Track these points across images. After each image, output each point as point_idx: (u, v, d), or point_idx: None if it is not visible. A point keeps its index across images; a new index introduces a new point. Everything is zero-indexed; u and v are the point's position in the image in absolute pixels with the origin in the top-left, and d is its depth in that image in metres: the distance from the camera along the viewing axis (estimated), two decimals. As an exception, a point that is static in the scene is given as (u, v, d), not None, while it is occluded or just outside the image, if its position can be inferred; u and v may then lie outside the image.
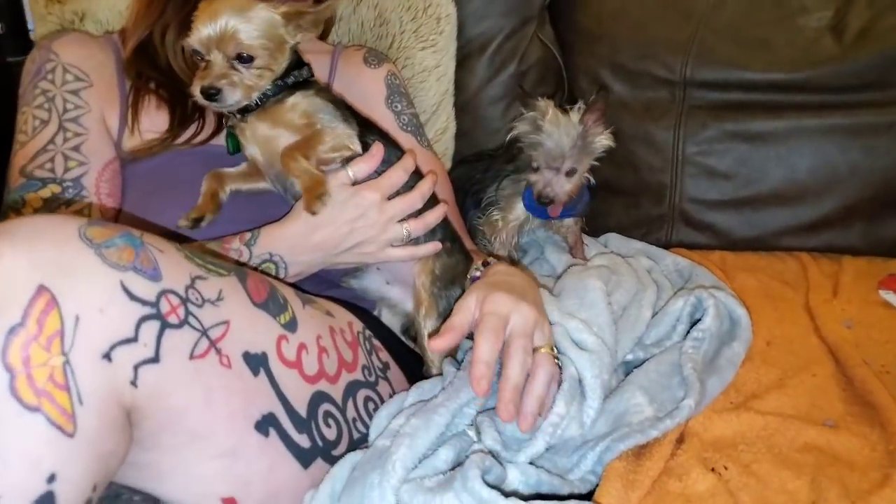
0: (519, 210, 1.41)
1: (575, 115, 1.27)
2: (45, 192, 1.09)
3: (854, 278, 1.40)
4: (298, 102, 1.09)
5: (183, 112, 1.20)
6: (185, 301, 0.77)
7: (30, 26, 2.09)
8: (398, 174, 1.11)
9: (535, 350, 0.92)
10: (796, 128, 1.49)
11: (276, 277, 1.07)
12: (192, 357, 0.77)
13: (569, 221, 1.48)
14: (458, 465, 0.85)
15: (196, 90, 1.04)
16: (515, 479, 0.85)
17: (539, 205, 1.32)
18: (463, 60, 1.66)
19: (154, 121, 1.20)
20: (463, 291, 1.17)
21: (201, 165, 1.16)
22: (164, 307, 0.74)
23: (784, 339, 1.22)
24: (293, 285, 1.06)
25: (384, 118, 1.35)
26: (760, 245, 1.55)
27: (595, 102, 1.28)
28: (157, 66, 1.20)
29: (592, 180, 1.40)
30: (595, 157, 1.33)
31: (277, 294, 0.93)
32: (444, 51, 1.59)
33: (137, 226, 0.81)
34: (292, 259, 1.08)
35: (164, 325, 0.74)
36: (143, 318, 0.72)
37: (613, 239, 1.56)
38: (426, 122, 1.62)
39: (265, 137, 1.10)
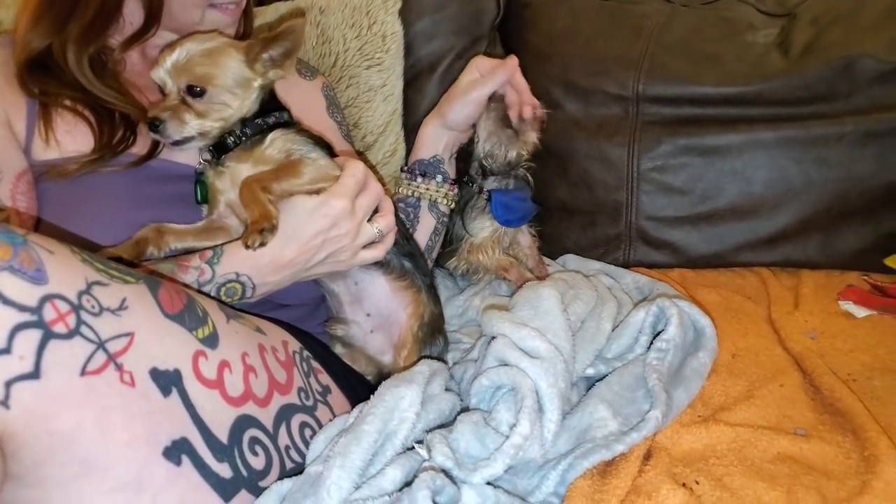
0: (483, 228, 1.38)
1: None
2: None
3: (814, 290, 1.38)
4: (276, 138, 1.06)
5: (111, 131, 1.08)
6: (77, 308, 0.67)
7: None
8: (359, 170, 1.03)
9: None
10: (750, 141, 1.47)
11: (241, 299, 1.00)
12: (83, 373, 0.67)
13: (525, 240, 1.44)
14: (407, 485, 0.77)
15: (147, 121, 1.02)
16: (471, 500, 0.78)
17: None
18: (412, 80, 1.62)
19: (75, 136, 1.07)
20: (444, 341, 1.19)
21: (128, 180, 1.07)
22: (49, 314, 0.65)
23: (749, 351, 1.18)
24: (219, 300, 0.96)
25: (328, 128, 1.31)
26: (719, 261, 1.52)
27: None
28: (65, 82, 1.08)
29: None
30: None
31: (196, 306, 0.83)
32: (391, 70, 1.54)
33: (63, 238, 0.72)
34: (261, 280, 0.99)
35: (48, 335, 0.65)
36: (20, 326, 0.63)
37: (571, 260, 1.52)
38: (374, 143, 1.57)
39: None
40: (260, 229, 0.94)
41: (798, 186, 1.46)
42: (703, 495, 0.84)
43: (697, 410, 1.02)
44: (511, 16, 1.72)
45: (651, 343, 1.08)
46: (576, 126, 1.60)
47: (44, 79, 1.08)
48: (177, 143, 1.04)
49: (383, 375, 1.17)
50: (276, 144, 1.05)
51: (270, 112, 1.08)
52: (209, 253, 0.98)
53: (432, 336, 1.14)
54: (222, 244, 1.00)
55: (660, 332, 1.09)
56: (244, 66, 1.04)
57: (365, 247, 1.07)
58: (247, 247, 0.94)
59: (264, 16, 1.53)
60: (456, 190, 1.35)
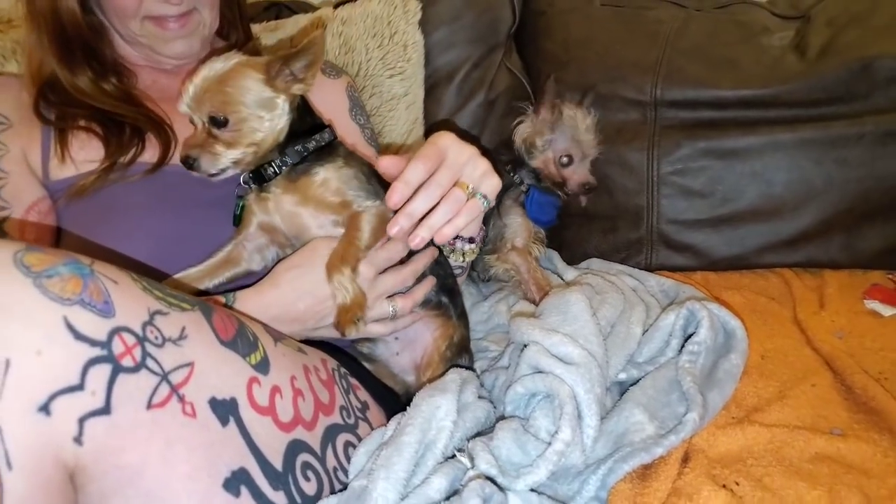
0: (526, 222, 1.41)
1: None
2: None
3: (838, 290, 1.38)
4: (329, 178, 1.00)
5: (119, 139, 1.10)
6: (142, 340, 0.67)
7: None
8: (396, 249, 1.02)
9: (455, 185, 0.93)
10: (770, 143, 1.48)
11: None
12: (149, 406, 0.67)
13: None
14: (452, 493, 0.77)
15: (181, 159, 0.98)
16: (517, 507, 0.78)
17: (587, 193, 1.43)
18: (431, 90, 1.64)
19: (88, 151, 1.10)
20: (469, 358, 1.15)
21: (145, 187, 1.08)
22: (118, 348, 0.65)
23: (778, 352, 1.18)
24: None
25: (350, 131, 1.30)
26: (742, 263, 1.53)
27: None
28: (77, 102, 1.11)
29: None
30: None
31: (247, 330, 0.83)
32: (413, 78, 1.56)
33: (86, 252, 0.72)
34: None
35: (117, 370, 0.64)
36: (92, 362, 0.63)
37: (595, 263, 1.52)
38: (397, 152, 1.59)
39: (291, 213, 1.01)
40: (354, 318, 0.92)
41: (819, 187, 1.47)
42: (745, 496, 0.85)
43: (731, 412, 1.03)
44: (527, 24, 1.73)
45: (682, 346, 1.09)
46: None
47: (58, 102, 1.11)
48: (213, 176, 1.00)
49: (409, 393, 1.17)
50: (330, 185, 1.00)
51: (308, 132, 1.02)
52: (222, 299, 0.96)
53: (459, 355, 1.12)
54: (234, 291, 0.98)
55: (690, 334, 1.09)
56: (264, 85, 0.98)
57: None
58: (343, 334, 0.93)
59: (285, 28, 1.55)
60: (459, 246, 1.12)
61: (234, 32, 1.31)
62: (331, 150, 1.04)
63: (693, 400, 0.96)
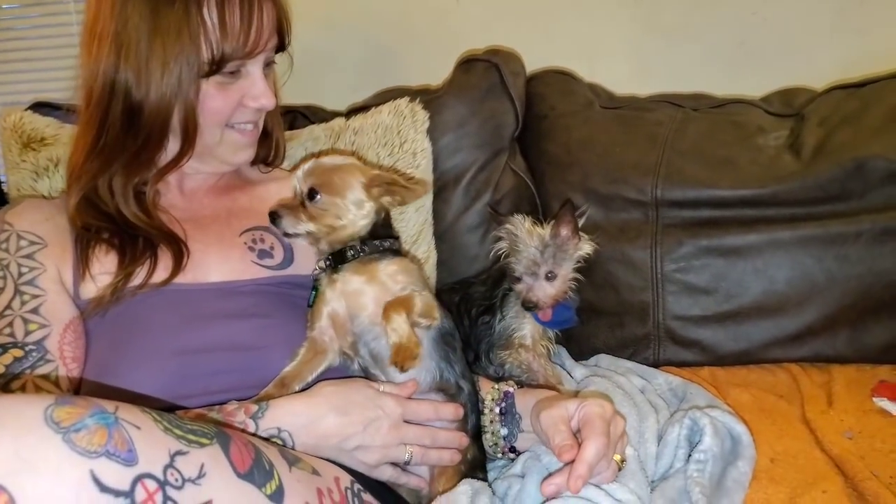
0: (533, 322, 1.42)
1: (546, 227, 1.37)
2: (6, 358, 1.04)
3: (846, 387, 1.39)
4: (395, 266, 1.17)
5: (133, 251, 1.18)
6: (163, 485, 0.69)
7: (1, 177, 2.12)
8: (427, 412, 1.11)
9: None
10: (770, 241, 1.52)
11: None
12: None
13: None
14: None
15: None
16: None
17: (527, 311, 1.38)
18: (439, 192, 1.69)
19: (105, 265, 1.18)
20: (484, 474, 1.17)
21: (168, 306, 1.14)
22: (140, 495, 0.66)
23: (787, 454, 1.18)
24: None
25: None
26: (748, 358, 1.54)
27: (563, 215, 1.36)
28: (104, 214, 1.21)
29: (575, 297, 1.44)
30: (576, 263, 1.41)
31: (263, 459, 0.83)
32: (422, 183, 1.62)
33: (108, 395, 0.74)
34: (299, 440, 1.00)
35: None
36: None
37: (604, 359, 1.53)
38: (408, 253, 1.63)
39: (356, 291, 1.15)
40: (412, 355, 1.05)
41: (821, 283, 1.49)
42: None
43: (742, 522, 1.03)
44: (529, 128, 1.80)
45: (689, 455, 1.09)
46: (597, 230, 1.65)
47: (90, 212, 1.20)
48: (287, 235, 1.19)
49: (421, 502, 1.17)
50: (394, 272, 1.16)
51: (386, 237, 1.20)
52: (254, 408, 1.00)
53: (473, 472, 1.14)
54: (267, 400, 1.02)
55: (697, 443, 1.10)
56: (362, 188, 1.17)
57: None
58: (402, 369, 1.05)
59: (300, 138, 1.63)
60: (501, 446, 1.20)
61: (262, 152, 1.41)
62: (398, 253, 1.22)
63: (702, 513, 0.96)
